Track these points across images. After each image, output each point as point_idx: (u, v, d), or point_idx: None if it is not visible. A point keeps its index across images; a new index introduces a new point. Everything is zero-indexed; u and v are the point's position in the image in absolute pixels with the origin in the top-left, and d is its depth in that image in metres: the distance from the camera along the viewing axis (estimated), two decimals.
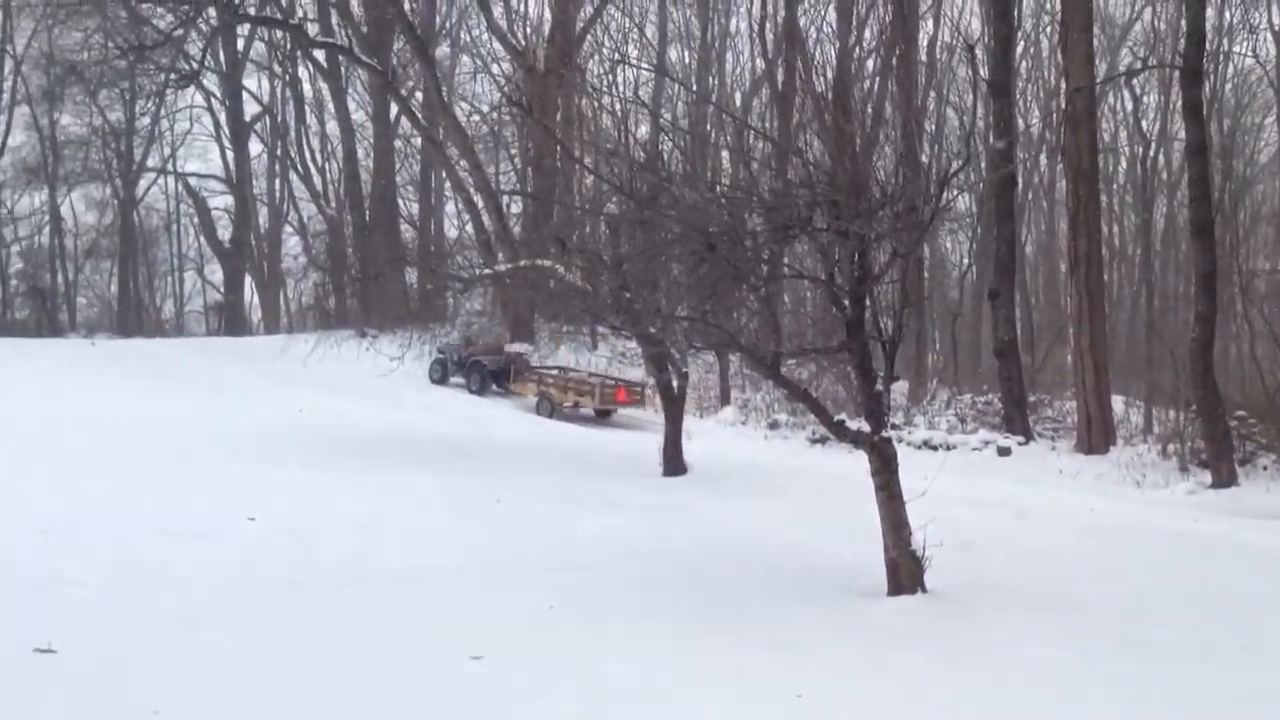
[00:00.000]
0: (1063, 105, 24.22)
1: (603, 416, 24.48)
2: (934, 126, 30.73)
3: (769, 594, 9.30)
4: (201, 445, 15.85)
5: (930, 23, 32.89)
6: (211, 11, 35.09)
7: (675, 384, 17.16)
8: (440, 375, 27.04)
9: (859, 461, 13.26)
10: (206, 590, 8.31)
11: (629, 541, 11.48)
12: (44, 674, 6.16)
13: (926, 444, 20.47)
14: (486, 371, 26.25)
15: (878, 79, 28.46)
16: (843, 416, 10.22)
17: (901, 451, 9.73)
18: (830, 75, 27.31)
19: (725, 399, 24.60)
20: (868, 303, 9.25)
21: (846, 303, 9.23)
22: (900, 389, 23.48)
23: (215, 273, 50.10)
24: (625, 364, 25.80)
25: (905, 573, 9.12)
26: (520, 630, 7.79)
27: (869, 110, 24.83)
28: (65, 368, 24.55)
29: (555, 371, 25.86)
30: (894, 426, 9.56)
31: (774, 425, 22.53)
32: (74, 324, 47.22)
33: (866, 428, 9.44)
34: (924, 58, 30.86)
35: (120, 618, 7.39)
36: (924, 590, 9.12)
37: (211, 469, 13.99)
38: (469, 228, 33.41)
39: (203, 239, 49.34)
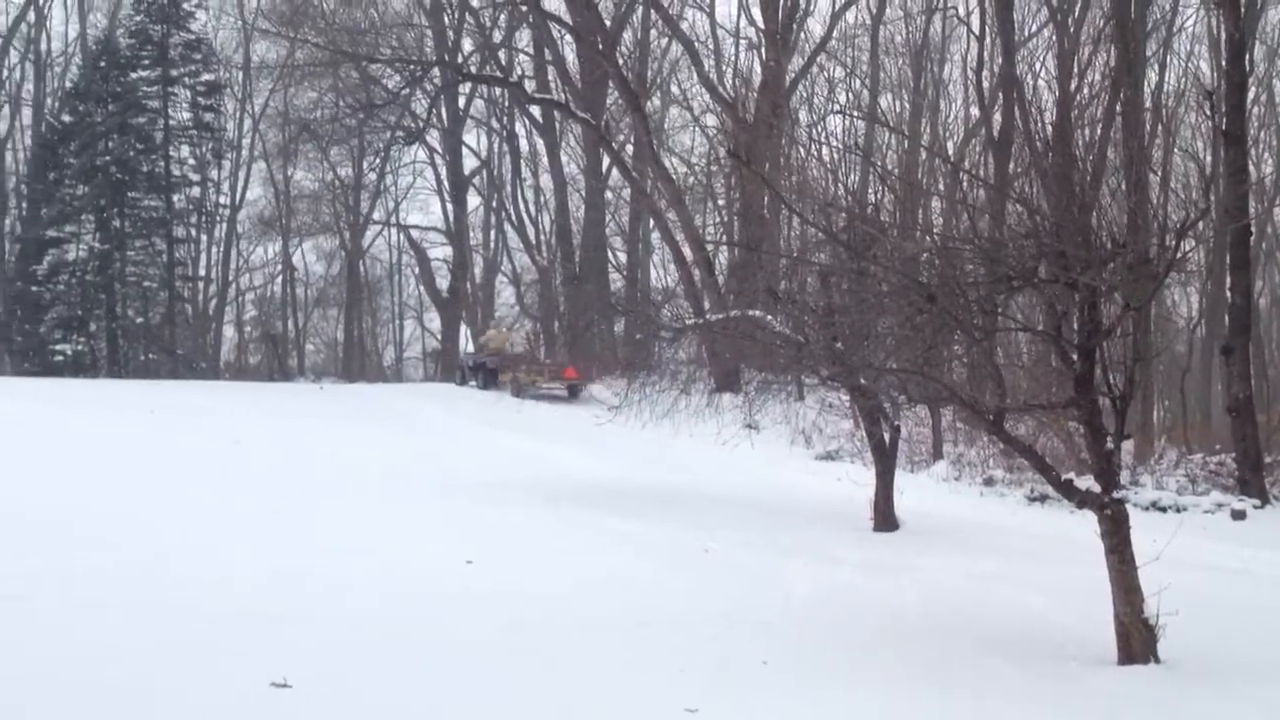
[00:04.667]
0: None
1: (572, 395, 30.08)
2: (1161, 174, 29.50)
3: (990, 657, 8.96)
4: (421, 487, 16.31)
5: (1156, 68, 31.77)
6: (436, 71, 36.86)
7: (888, 437, 16.81)
8: (461, 379, 33.65)
9: (1079, 521, 12.77)
10: (427, 631, 8.50)
11: (843, 597, 11.28)
12: (279, 707, 6.41)
13: (1155, 505, 19.49)
14: (489, 371, 31.78)
15: (1100, 126, 27.55)
16: (1070, 475, 9.82)
17: (1129, 512, 9.27)
18: (1051, 119, 26.55)
19: (938, 453, 23.99)
20: (1097, 357, 8.90)
21: (1074, 357, 8.90)
22: (1127, 447, 22.45)
23: (433, 320, 52.06)
24: (834, 416, 25.44)
25: (1137, 641, 8.65)
26: (735, 684, 7.71)
27: (1092, 157, 24.00)
28: (295, 410, 25.64)
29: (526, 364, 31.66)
30: (1121, 487, 9.12)
31: (989, 482, 21.82)
32: (302, 368, 49.74)
33: (1096, 488, 9.05)
34: (1149, 104, 29.70)
35: (350, 655, 7.65)
36: (1157, 660, 8.63)
37: (431, 511, 14.37)
38: (678, 281, 33.77)
39: (422, 288, 51.39)
